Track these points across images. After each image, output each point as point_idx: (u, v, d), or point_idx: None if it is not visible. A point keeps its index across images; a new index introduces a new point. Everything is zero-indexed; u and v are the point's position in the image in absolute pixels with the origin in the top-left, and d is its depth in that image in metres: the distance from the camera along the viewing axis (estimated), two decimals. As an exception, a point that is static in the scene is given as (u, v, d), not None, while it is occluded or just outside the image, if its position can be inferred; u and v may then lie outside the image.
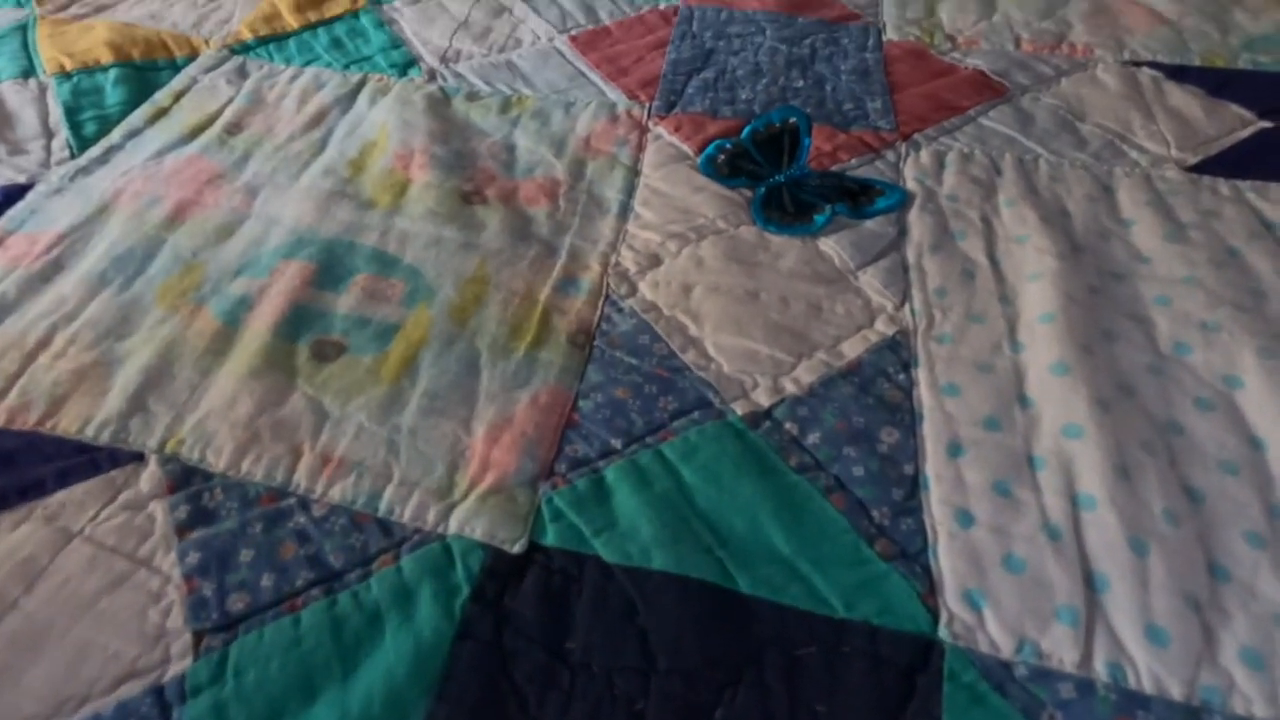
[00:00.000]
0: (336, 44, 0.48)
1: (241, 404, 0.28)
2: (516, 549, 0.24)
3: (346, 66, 0.46)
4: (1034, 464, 0.26)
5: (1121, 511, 0.25)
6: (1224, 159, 0.39)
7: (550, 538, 0.25)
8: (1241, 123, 0.41)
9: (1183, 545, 0.24)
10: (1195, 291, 0.32)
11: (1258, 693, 0.21)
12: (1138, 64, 0.46)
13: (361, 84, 0.45)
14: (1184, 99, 0.43)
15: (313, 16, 0.50)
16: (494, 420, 0.28)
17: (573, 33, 0.49)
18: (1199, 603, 0.23)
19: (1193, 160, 0.39)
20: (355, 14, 0.50)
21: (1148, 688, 0.21)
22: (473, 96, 0.44)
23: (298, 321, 0.31)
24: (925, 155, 0.39)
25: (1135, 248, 0.34)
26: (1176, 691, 0.21)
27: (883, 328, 0.31)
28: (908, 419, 0.28)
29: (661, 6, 0.52)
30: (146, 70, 0.45)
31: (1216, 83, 0.44)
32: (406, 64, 0.46)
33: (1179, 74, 0.45)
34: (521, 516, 0.25)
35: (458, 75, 0.46)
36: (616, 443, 0.27)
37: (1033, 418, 0.28)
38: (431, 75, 0.46)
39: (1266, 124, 0.41)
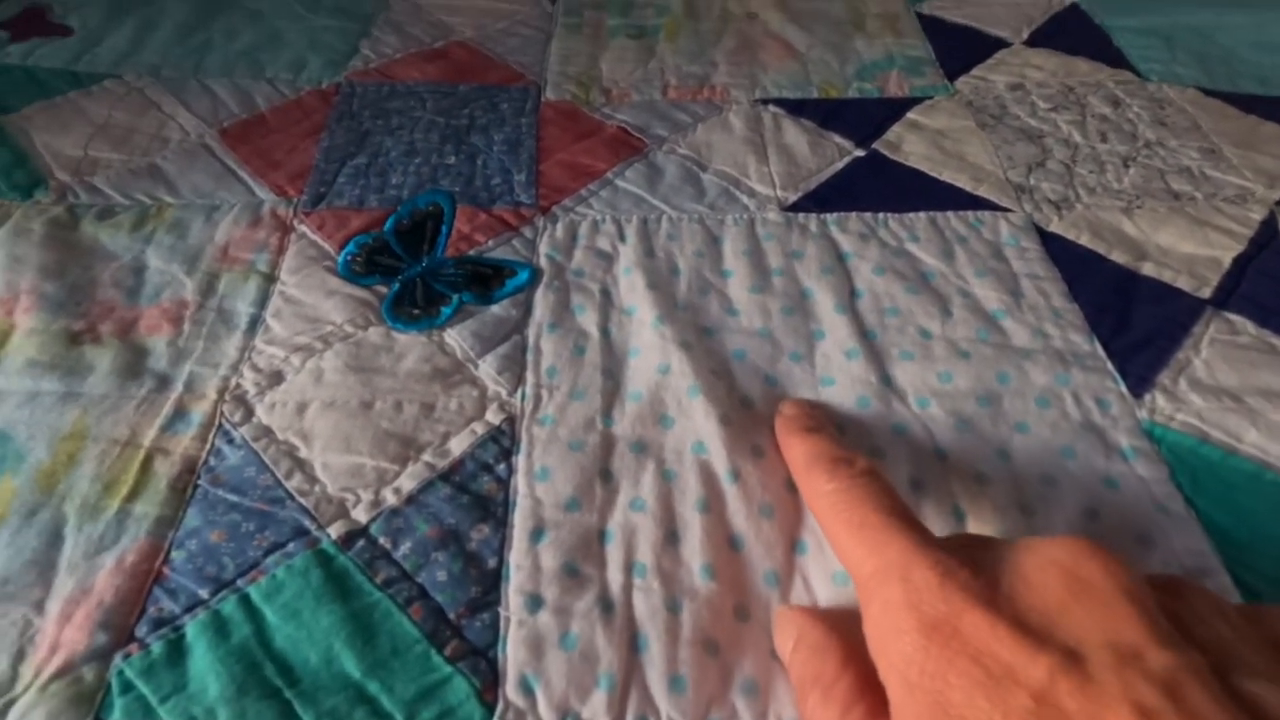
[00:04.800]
0: (-50, 168, 0.44)
1: None
2: (79, 735, 0.24)
3: (-40, 194, 0.43)
4: (604, 538, 0.29)
5: (666, 575, 0.28)
6: (818, 193, 0.44)
7: (116, 714, 0.25)
8: (840, 153, 0.47)
9: (714, 596, 0.27)
10: (765, 344, 0.36)
11: (755, 719, 0.25)
12: (766, 102, 0.51)
13: (-24, 214, 0.42)
14: (796, 135, 0.48)
15: (-78, 138, 0.46)
16: (71, 594, 0.27)
17: (225, 125, 0.48)
18: (719, 647, 0.26)
19: (793, 198, 0.44)
20: (-24, 129, 0.47)
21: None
22: (105, 214, 0.42)
23: None
24: (560, 228, 0.42)
25: (729, 299, 0.38)
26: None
27: (492, 418, 0.33)
28: (501, 511, 0.30)
29: (324, 86, 0.52)
30: None
31: (826, 114, 0.50)
32: (32, 184, 0.43)
33: (797, 109, 0.50)
34: (88, 697, 0.25)
35: (93, 189, 0.43)
36: (204, 593, 0.27)
37: (611, 491, 0.31)
38: (61, 193, 0.43)
39: (860, 153, 0.47)
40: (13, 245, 0.40)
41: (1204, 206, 0.42)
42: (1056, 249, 0.40)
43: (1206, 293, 0.38)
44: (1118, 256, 0.39)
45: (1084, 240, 0.40)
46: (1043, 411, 0.33)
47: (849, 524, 0.23)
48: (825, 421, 0.31)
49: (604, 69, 0.54)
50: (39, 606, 0.27)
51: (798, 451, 0.29)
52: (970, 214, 0.42)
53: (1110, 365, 0.35)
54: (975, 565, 0.21)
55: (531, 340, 0.36)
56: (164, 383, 0.34)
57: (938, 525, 0.29)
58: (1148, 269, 0.39)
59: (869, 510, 0.23)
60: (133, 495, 0.30)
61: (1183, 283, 0.38)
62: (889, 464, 0.31)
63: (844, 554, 0.24)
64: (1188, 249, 0.40)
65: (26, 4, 0.57)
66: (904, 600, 0.20)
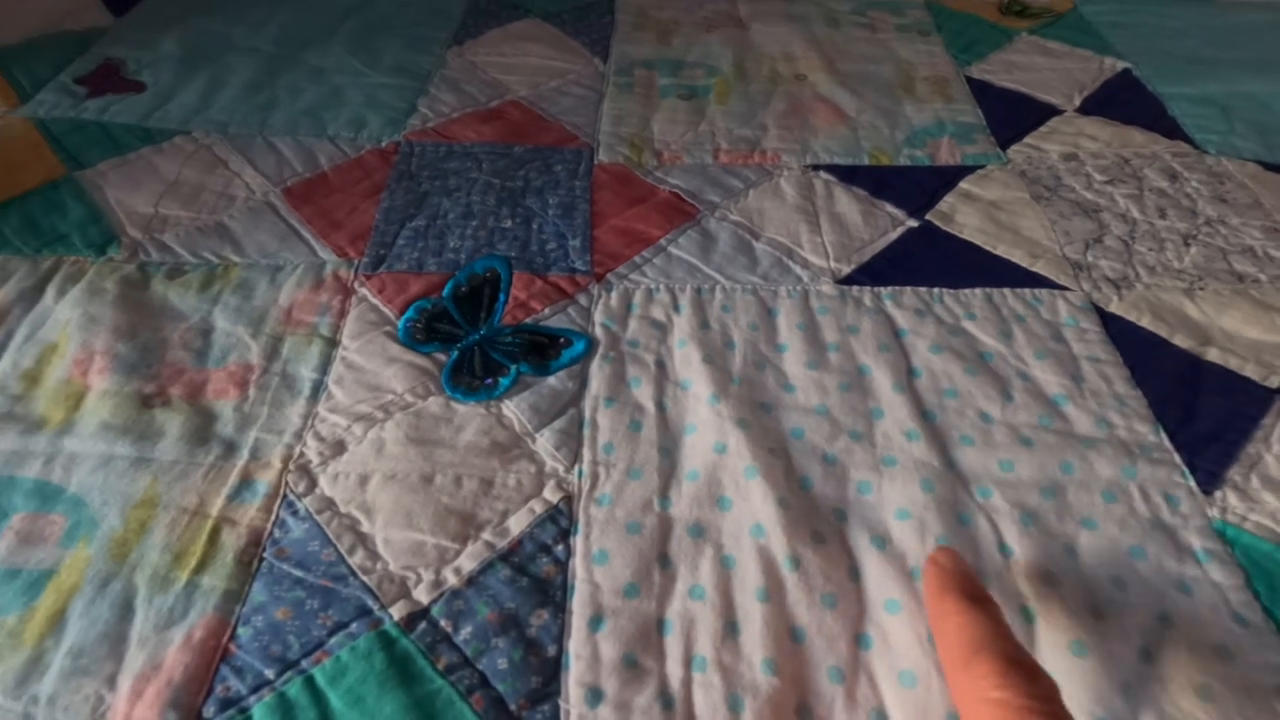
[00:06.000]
0: (29, 224, 0.45)
1: None
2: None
3: (38, 250, 0.44)
4: (663, 628, 0.29)
5: (726, 670, 0.28)
6: (872, 266, 0.44)
7: (185, 801, 0.25)
8: (893, 224, 0.47)
9: (776, 692, 0.27)
10: (823, 423, 0.36)
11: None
12: (817, 168, 0.52)
13: (53, 271, 0.43)
14: (848, 203, 0.48)
15: (3, 193, 0.48)
16: (142, 670, 0.27)
17: (288, 183, 0.49)
18: (782, 750, 0.26)
19: (846, 270, 0.44)
20: (54, 184, 0.48)
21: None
22: (174, 273, 0.43)
23: (-65, 587, 0.30)
24: (615, 297, 0.42)
25: (785, 375, 0.38)
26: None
27: (550, 495, 0.33)
28: (559, 595, 0.30)
29: (383, 145, 0.53)
30: None
31: (878, 182, 0.50)
32: (105, 241, 0.45)
33: (849, 176, 0.50)
34: (158, 782, 0.25)
35: (163, 247, 0.45)
36: (270, 673, 0.28)
37: (669, 578, 0.30)
38: (133, 251, 0.44)
39: (913, 223, 0.47)
40: (88, 304, 0.41)
41: (1269, 289, 0.42)
42: (1117, 331, 0.40)
43: (1275, 382, 0.37)
44: (1180, 341, 0.39)
45: (1145, 322, 0.40)
46: (1110, 506, 0.32)
47: None
48: (987, 595, 0.26)
49: (655, 130, 0.55)
50: (111, 682, 0.27)
51: (955, 626, 0.24)
52: (1028, 292, 0.42)
53: (1178, 458, 0.34)
54: None
55: (588, 414, 0.36)
56: (230, 449, 0.35)
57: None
58: (1213, 355, 0.38)
59: None
60: (201, 567, 0.30)
61: (1250, 371, 0.37)
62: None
63: None
64: (1253, 334, 0.39)
65: (101, 60, 0.60)
66: None
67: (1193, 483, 0.33)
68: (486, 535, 0.32)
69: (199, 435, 0.35)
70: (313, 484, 0.34)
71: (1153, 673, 0.27)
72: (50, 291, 0.42)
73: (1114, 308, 0.41)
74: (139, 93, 0.56)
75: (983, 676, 0.22)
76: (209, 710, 0.27)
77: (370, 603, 0.30)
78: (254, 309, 0.41)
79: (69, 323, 0.40)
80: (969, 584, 0.25)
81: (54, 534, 0.31)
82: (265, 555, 0.31)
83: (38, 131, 0.52)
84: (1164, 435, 0.35)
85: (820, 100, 0.58)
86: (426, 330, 0.40)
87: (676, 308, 0.42)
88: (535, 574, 0.31)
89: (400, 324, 0.41)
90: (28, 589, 0.30)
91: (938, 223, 0.47)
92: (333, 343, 0.40)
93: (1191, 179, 0.49)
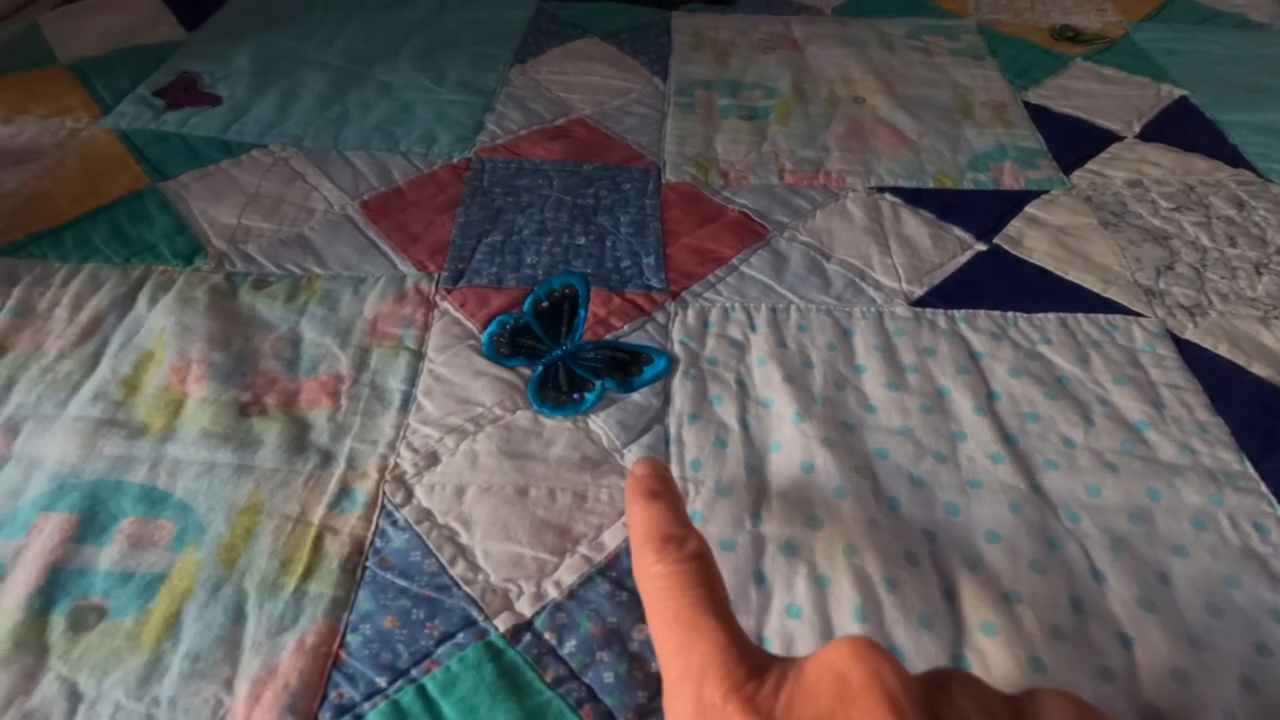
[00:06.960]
0: (117, 233, 0.47)
1: (-14, 699, 0.27)
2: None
3: (127, 259, 0.45)
4: (763, 645, 0.30)
5: (830, 688, 0.28)
6: (944, 289, 0.44)
7: (309, 805, 0.26)
8: (961, 247, 0.48)
9: (881, 713, 0.28)
10: (906, 444, 0.36)
11: None
12: (882, 190, 0.52)
13: (143, 279, 0.44)
14: (916, 226, 0.49)
15: (90, 202, 0.49)
16: (258, 674, 0.28)
17: (365, 197, 0.51)
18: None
19: (919, 292, 0.44)
20: (139, 195, 0.50)
21: None
22: (260, 284, 0.44)
23: (54, 588, 0.30)
24: (691, 314, 0.43)
25: (865, 395, 0.39)
26: None
27: (642, 510, 0.34)
28: (658, 609, 0.31)
29: (455, 160, 0.54)
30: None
31: (944, 205, 0.50)
32: (192, 251, 0.46)
33: (915, 198, 0.51)
34: (281, 785, 0.26)
35: (247, 257, 0.46)
36: (382, 680, 0.28)
37: (765, 596, 0.31)
38: (219, 261, 0.46)
39: (982, 247, 0.47)
40: (180, 313, 0.42)
41: (1345, 319, 0.42)
42: (1193, 358, 0.40)
43: (1357, 413, 0.37)
44: (1259, 369, 0.39)
45: (1222, 350, 0.40)
46: (1200, 534, 0.33)
47: (664, 616, 0.23)
48: (671, 485, 0.29)
49: (719, 150, 0.56)
50: (229, 685, 0.28)
51: (636, 522, 0.27)
52: (1102, 317, 0.42)
53: (1264, 487, 0.34)
54: (765, 676, 0.21)
55: (673, 431, 0.37)
56: (327, 458, 0.36)
57: (1106, 652, 0.29)
58: (1292, 384, 0.39)
59: (686, 603, 0.23)
60: (308, 574, 0.31)
61: (1330, 401, 0.38)
62: (1048, 580, 0.31)
63: (658, 648, 0.24)
64: (1331, 364, 0.39)
65: (178, 73, 0.61)
66: (692, 715, 0.21)
67: (1281, 512, 0.34)
68: (583, 549, 0.32)
69: (296, 444, 0.36)
70: (409, 495, 0.34)
71: (1257, 703, 0.28)
72: (142, 299, 0.43)
73: (1189, 335, 0.41)
74: (215, 105, 0.58)
75: (644, 557, 0.25)
76: (324, 716, 0.27)
77: (475, 614, 0.30)
78: (340, 320, 0.42)
79: (164, 330, 0.41)
80: (652, 483, 0.29)
81: (164, 538, 0.32)
82: (369, 564, 0.32)
83: (120, 143, 0.54)
84: (1248, 464, 0.35)
85: (880, 123, 0.59)
86: (510, 345, 0.41)
87: (753, 326, 0.42)
88: (634, 589, 0.31)
89: (484, 338, 0.41)
90: (142, 592, 0.30)
91: (1006, 247, 0.47)
92: (419, 355, 0.41)
93: (1259, 207, 0.49)
